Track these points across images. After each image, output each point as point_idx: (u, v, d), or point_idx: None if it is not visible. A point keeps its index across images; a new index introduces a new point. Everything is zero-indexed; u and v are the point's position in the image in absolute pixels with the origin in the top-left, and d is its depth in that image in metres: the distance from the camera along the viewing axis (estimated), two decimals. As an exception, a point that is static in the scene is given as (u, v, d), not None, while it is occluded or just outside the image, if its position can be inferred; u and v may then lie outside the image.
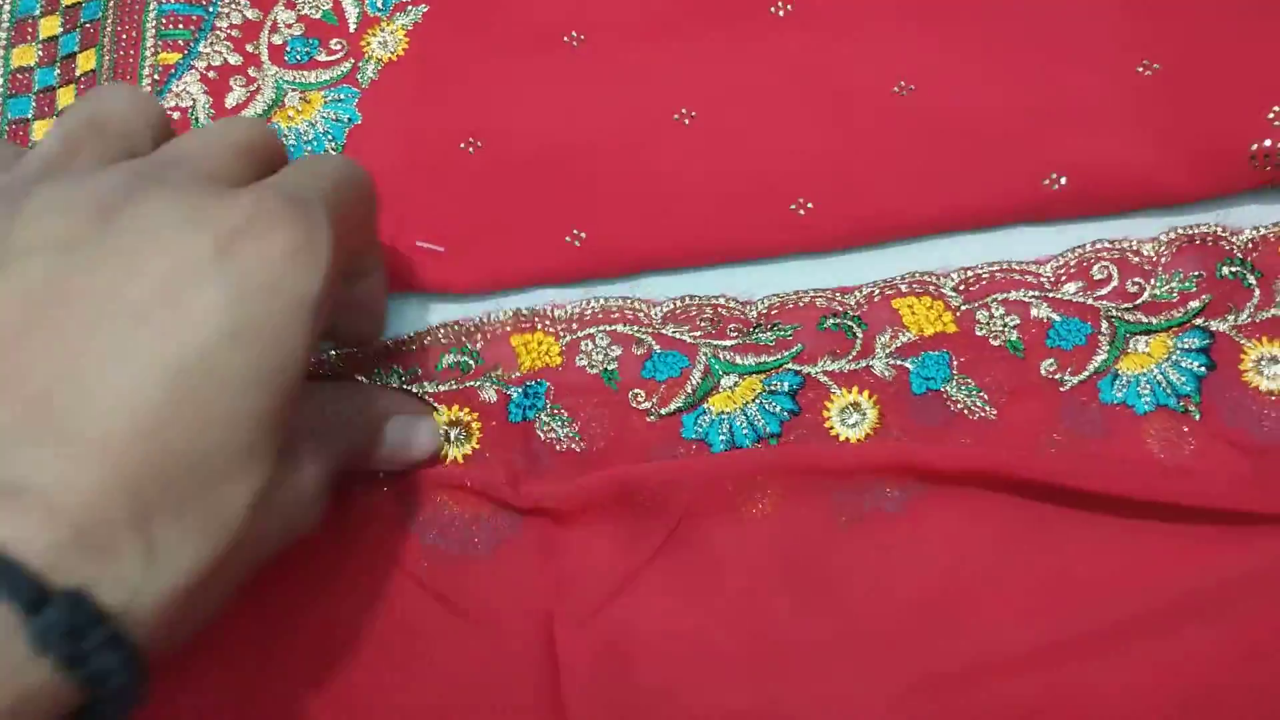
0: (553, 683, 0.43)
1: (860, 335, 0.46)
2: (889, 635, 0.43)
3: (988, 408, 0.45)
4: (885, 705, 0.43)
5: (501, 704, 0.44)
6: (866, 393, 0.45)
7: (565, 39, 0.52)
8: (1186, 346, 0.45)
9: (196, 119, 0.52)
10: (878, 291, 0.47)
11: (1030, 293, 0.46)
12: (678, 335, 0.46)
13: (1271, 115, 0.46)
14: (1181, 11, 0.49)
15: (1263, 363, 0.45)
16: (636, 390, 0.45)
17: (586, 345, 0.46)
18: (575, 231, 0.48)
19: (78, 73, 0.53)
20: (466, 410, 0.46)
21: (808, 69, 0.51)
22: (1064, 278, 0.46)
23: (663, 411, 0.45)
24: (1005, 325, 0.46)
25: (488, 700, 0.44)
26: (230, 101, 0.52)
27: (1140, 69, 0.48)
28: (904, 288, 0.47)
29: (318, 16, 0.52)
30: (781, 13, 0.51)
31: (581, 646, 0.43)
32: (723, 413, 0.45)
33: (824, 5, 0.51)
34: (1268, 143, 0.46)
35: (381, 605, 0.45)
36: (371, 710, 0.44)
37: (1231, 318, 0.45)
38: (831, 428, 0.45)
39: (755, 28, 0.52)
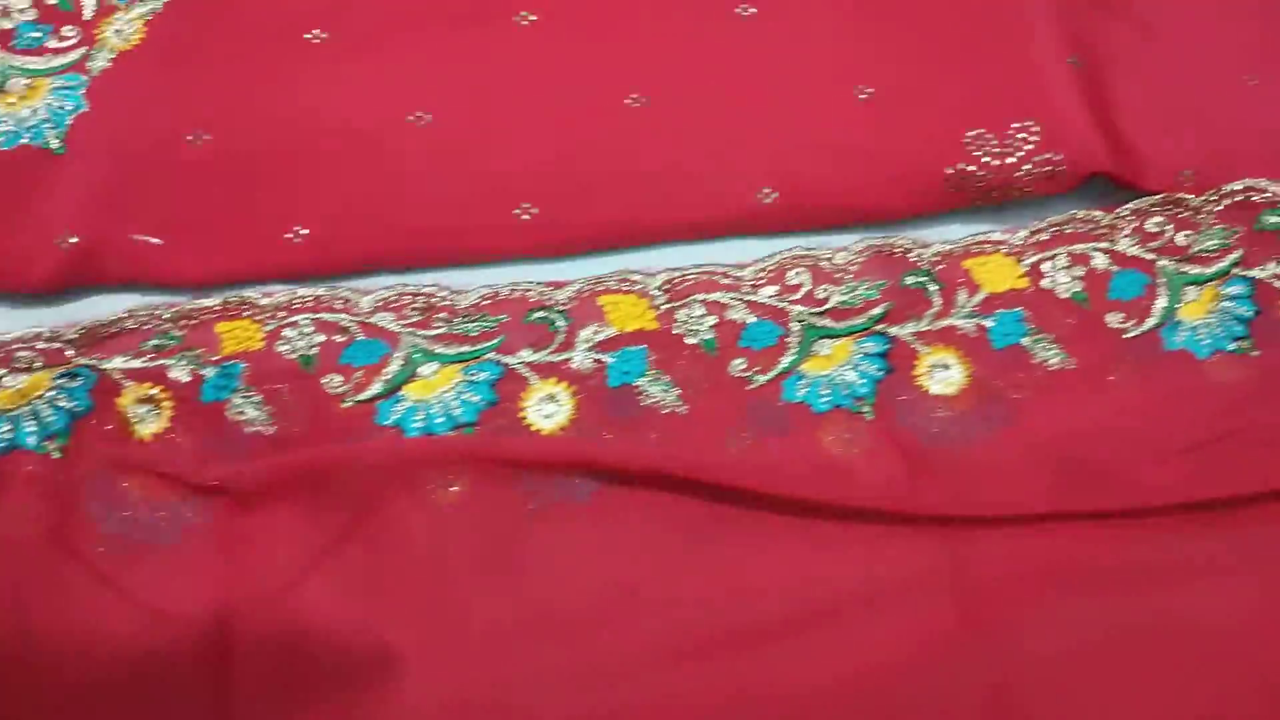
0: (225, 672, 0.42)
1: (563, 329, 0.47)
2: (572, 619, 0.44)
3: (679, 403, 0.47)
4: (565, 687, 0.43)
5: (174, 693, 0.43)
6: (565, 384, 0.47)
7: (307, 36, 0.53)
8: (866, 351, 0.47)
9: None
10: (587, 287, 0.48)
11: (730, 294, 0.48)
12: (383, 324, 0.47)
13: (967, 140, 0.50)
14: (896, 41, 0.53)
15: (935, 368, 0.47)
16: (333, 375, 0.45)
17: (289, 332, 0.46)
18: (297, 229, 0.49)
19: None
20: (159, 389, 0.45)
21: (546, 78, 0.52)
22: (763, 281, 0.48)
23: (358, 398, 0.45)
24: (702, 324, 0.48)
25: (161, 689, 0.43)
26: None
27: (857, 93, 0.51)
28: (612, 284, 0.48)
29: (53, 2, 0.52)
30: (525, 23, 0.53)
31: (256, 635, 0.42)
32: (419, 400, 0.46)
33: (567, 17, 0.53)
34: (962, 165, 0.50)
35: (53, 594, 0.43)
36: (45, 702, 0.43)
37: (912, 325, 0.48)
38: (527, 418, 0.46)
39: (498, 36, 0.53)
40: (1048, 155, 0.49)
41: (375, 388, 0.46)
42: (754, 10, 0.52)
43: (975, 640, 0.43)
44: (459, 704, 0.43)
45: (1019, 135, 0.49)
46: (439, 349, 0.47)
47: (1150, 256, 0.49)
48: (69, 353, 0.45)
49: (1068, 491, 0.44)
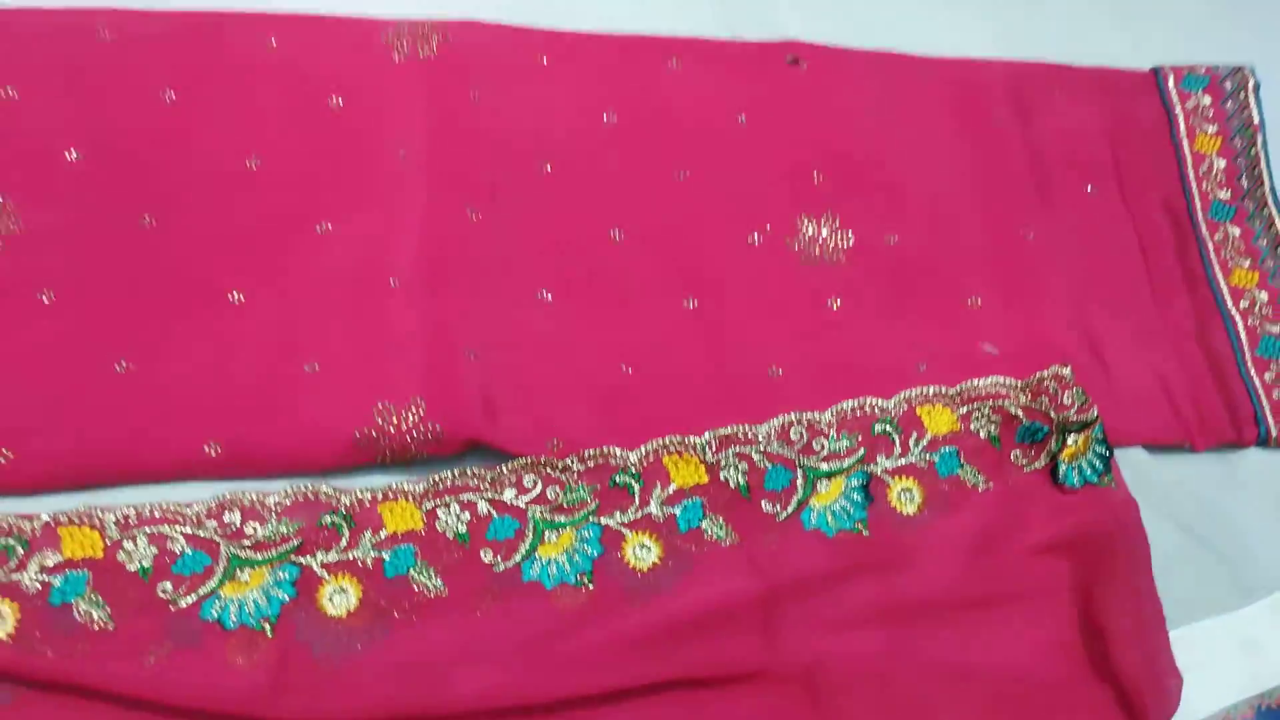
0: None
1: (20, 554, 0.57)
2: None
3: (109, 621, 0.56)
4: None
5: None
6: (10, 601, 0.55)
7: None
8: (279, 578, 0.59)
9: None
10: (51, 520, 0.58)
11: (173, 528, 0.59)
12: None
13: (376, 409, 0.63)
14: (343, 325, 0.66)
15: (335, 593, 0.59)
16: None
17: None
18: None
19: None
20: None
21: (54, 350, 0.63)
22: (205, 517, 0.60)
23: None
24: (144, 554, 0.58)
25: None
26: None
27: (308, 369, 0.65)
28: (74, 518, 0.58)
29: None
30: (47, 300, 0.65)
31: None
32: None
33: (81, 304, 0.65)
34: (367, 429, 0.63)
35: None
36: None
37: (321, 555, 0.60)
38: (-32, 630, 0.55)
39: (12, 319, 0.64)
40: (431, 424, 0.63)
41: None
42: (242, 298, 0.66)
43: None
44: None
45: (411, 408, 0.63)
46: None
47: (524, 505, 0.63)
48: None
49: (407, 696, 0.56)
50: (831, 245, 0.76)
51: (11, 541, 0.57)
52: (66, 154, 0.69)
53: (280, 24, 0.77)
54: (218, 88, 0.74)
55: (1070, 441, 0.68)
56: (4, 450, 0.59)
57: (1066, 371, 0.70)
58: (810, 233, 0.76)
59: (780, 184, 0.77)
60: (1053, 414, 0.69)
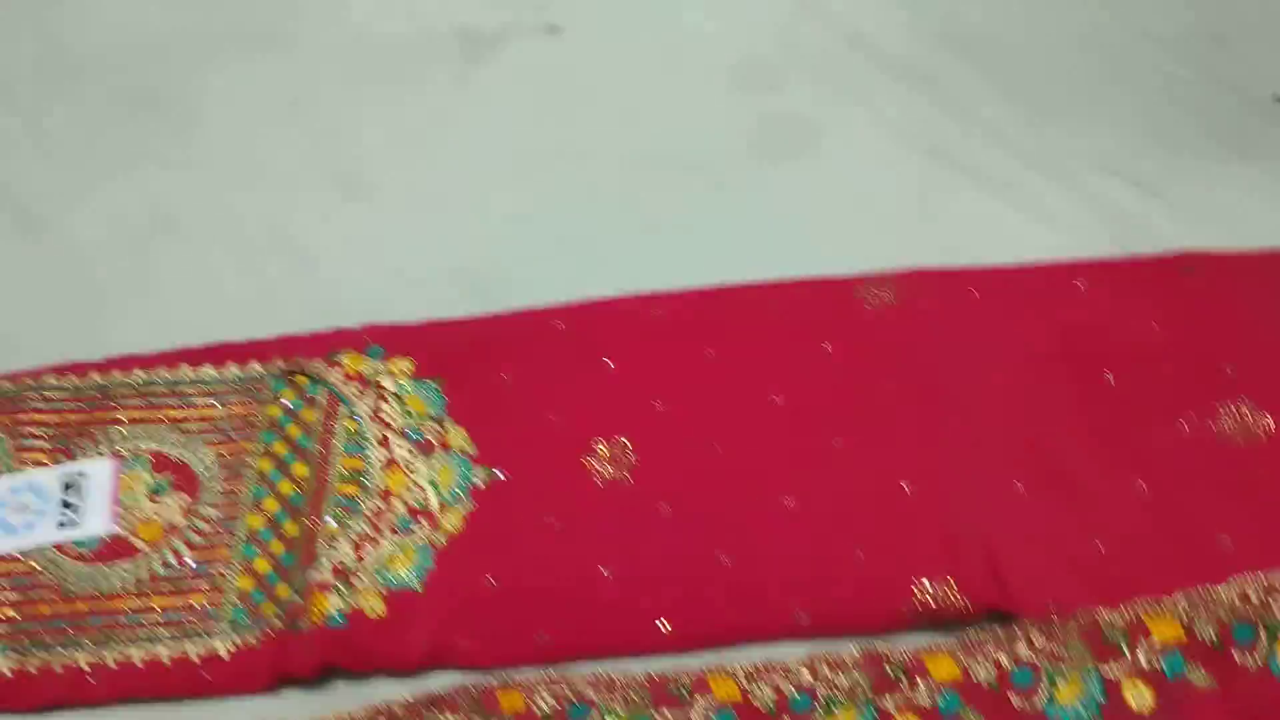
0: None
1: (687, 696, 0.82)
2: None
3: (754, 744, 0.80)
4: None
5: None
6: None
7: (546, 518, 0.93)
8: (862, 714, 0.80)
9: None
10: (697, 672, 0.83)
11: (785, 677, 0.82)
12: (588, 694, 0.83)
13: (915, 586, 0.85)
14: (883, 521, 0.90)
15: (905, 726, 0.80)
16: (560, 724, 0.82)
17: (538, 699, 0.83)
18: (541, 633, 0.88)
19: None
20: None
21: (676, 564, 0.91)
22: (803, 668, 0.83)
23: (573, 737, 0.81)
24: (767, 697, 0.82)
25: None
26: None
27: (855, 550, 0.88)
28: (710, 671, 0.83)
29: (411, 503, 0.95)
30: (665, 512, 0.92)
31: None
32: (606, 740, 0.81)
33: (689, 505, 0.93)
34: (912, 602, 0.85)
35: None
36: None
37: (890, 698, 0.81)
38: (666, 752, 0.81)
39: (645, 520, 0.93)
40: (961, 597, 0.85)
41: (583, 732, 0.82)
42: (793, 503, 0.91)
43: None
44: None
45: (943, 585, 0.84)
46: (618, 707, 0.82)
47: (1034, 658, 0.81)
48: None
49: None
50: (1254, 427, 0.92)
51: (685, 681, 0.83)
52: (654, 404, 0.99)
53: (776, 290, 1.05)
54: (740, 343, 1.02)
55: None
56: (664, 621, 0.87)
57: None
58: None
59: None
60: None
